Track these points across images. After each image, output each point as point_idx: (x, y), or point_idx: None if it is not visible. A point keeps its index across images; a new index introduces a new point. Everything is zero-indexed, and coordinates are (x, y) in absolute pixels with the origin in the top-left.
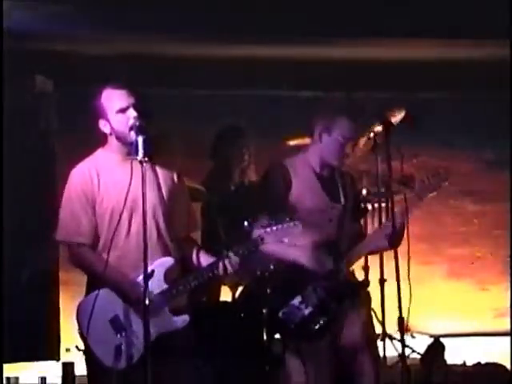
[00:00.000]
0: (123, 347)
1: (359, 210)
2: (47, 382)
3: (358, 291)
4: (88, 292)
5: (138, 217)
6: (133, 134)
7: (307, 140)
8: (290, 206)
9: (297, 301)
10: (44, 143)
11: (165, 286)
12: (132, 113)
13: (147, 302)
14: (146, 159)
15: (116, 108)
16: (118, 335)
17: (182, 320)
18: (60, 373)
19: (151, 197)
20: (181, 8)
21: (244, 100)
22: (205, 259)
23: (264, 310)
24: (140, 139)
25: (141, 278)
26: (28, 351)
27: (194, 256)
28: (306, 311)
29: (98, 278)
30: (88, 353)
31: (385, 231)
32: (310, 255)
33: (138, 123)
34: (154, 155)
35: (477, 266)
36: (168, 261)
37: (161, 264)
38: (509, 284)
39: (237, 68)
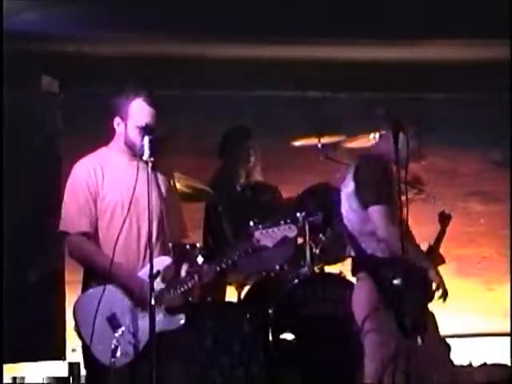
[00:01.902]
0: (120, 345)
1: None
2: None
3: None
4: (84, 288)
5: (138, 216)
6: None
7: (313, 140)
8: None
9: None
10: (50, 144)
11: (162, 286)
12: (148, 136)
13: (153, 301)
14: (152, 159)
15: (140, 123)
16: (115, 333)
17: (179, 319)
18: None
19: (153, 197)
20: (190, 9)
21: (251, 100)
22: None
23: (270, 311)
24: (146, 139)
25: (141, 273)
26: (34, 351)
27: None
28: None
29: (99, 271)
30: (85, 350)
31: None
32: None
33: (144, 124)
34: (159, 155)
35: (483, 266)
36: (166, 260)
37: (159, 263)
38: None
39: (245, 68)
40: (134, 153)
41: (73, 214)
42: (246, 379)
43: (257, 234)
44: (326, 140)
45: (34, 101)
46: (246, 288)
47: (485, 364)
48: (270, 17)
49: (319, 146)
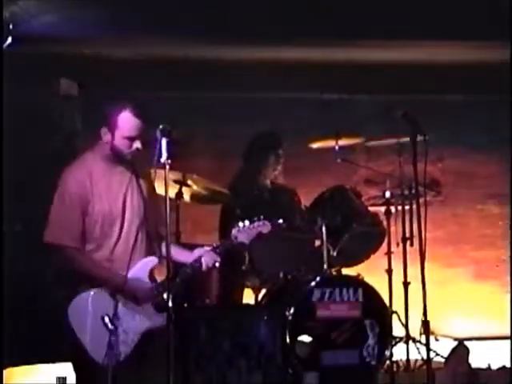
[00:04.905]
0: (114, 344)
1: None
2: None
3: None
4: (75, 291)
5: (127, 220)
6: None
7: (331, 142)
8: None
9: None
10: (68, 145)
11: (149, 284)
12: (137, 144)
13: (170, 303)
14: (169, 161)
15: (126, 134)
16: (109, 332)
17: (165, 317)
18: None
19: (137, 201)
20: (207, 11)
21: (267, 103)
22: (179, 253)
23: (287, 313)
24: (163, 142)
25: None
26: (52, 352)
27: (173, 252)
28: None
29: (88, 276)
30: (79, 350)
31: None
32: None
33: (162, 126)
34: (176, 157)
35: (502, 268)
36: (152, 260)
37: (145, 263)
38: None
39: (261, 71)
40: (120, 159)
41: (59, 226)
42: (264, 381)
43: (234, 231)
44: (343, 142)
45: (53, 103)
46: (263, 290)
47: (503, 367)
48: (286, 20)
49: (336, 148)
